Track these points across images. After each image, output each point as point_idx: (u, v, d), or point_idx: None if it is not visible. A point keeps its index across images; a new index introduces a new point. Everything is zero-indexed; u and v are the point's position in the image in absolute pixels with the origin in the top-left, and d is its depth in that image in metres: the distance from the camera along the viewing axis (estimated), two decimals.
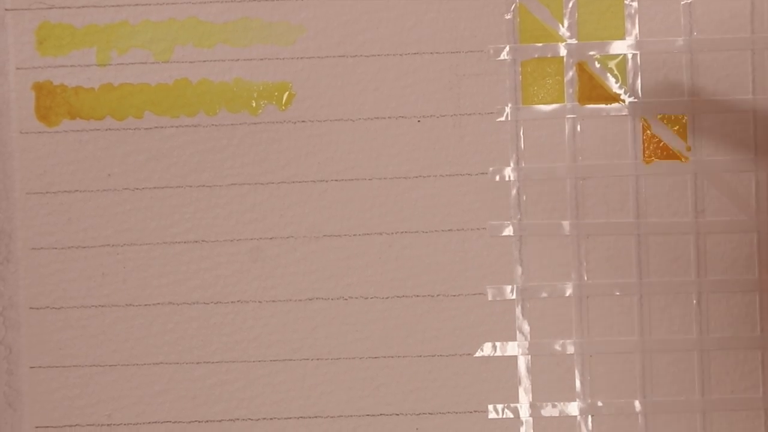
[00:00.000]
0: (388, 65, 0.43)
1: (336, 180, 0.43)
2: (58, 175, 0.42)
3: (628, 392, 0.43)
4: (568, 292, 0.43)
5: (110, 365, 0.42)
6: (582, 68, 0.43)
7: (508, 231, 0.43)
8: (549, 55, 0.43)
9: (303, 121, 0.43)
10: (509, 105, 0.43)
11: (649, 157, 0.43)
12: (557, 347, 0.42)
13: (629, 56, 0.43)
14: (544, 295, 0.43)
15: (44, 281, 0.42)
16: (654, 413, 0.42)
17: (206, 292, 0.42)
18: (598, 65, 0.43)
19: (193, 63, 0.42)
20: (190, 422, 0.42)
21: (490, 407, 0.42)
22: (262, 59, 0.43)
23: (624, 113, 0.43)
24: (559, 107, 0.43)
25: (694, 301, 0.43)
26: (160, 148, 0.42)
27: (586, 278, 0.43)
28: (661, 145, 0.43)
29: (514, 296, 0.43)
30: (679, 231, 0.43)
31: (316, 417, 0.42)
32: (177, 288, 0.42)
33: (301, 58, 0.43)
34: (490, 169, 0.43)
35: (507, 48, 0.43)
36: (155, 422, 0.42)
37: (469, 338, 0.42)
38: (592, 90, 0.43)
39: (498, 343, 0.42)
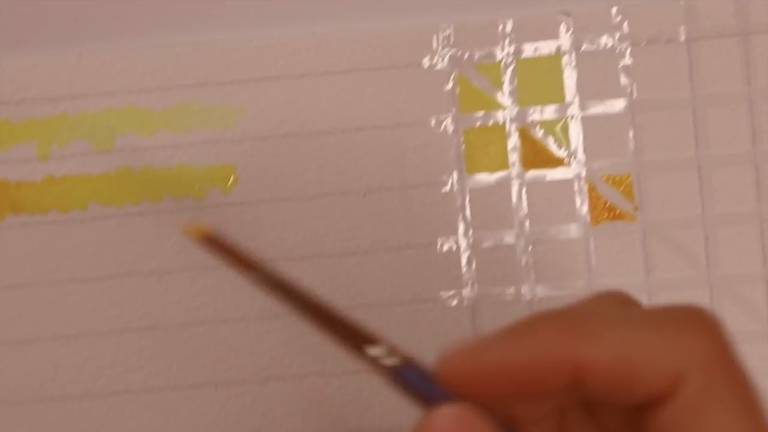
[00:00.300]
0: (331, 142, 0.43)
1: (285, 259, 0.42)
2: (5, 270, 0.42)
3: None
4: None
5: None
6: (524, 134, 0.43)
7: (461, 301, 0.43)
8: (491, 123, 0.43)
9: (248, 203, 0.42)
10: (454, 175, 0.43)
11: (597, 218, 0.43)
12: None
13: (570, 120, 0.43)
14: None
15: None
16: None
17: (161, 378, 0.42)
18: (540, 130, 0.43)
19: (134, 151, 0.42)
20: None
21: None
22: (204, 143, 0.43)
23: (569, 176, 0.43)
24: (504, 174, 0.43)
25: None
26: (106, 238, 0.42)
27: None
28: (607, 206, 0.43)
29: None
30: (631, 290, 0.43)
31: None
32: (132, 375, 0.42)
33: (243, 140, 0.43)
34: (439, 239, 0.43)
35: (449, 118, 0.43)
36: None
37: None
38: (536, 155, 0.43)
39: None
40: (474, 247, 0.43)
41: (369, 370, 0.27)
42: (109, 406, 0.42)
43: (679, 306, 0.28)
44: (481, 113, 0.43)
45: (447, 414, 0.26)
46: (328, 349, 0.42)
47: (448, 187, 0.43)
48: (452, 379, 0.27)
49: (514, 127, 0.43)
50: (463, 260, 0.43)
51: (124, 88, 0.42)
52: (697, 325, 0.27)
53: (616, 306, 0.29)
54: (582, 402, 0.29)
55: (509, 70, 0.43)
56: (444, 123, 0.43)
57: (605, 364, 0.26)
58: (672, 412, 0.26)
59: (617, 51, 0.43)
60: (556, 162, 0.43)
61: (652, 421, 0.27)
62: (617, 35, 0.43)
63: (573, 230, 0.43)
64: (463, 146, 0.43)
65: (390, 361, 0.27)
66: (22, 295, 0.42)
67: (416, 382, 0.27)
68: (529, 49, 0.43)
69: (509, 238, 0.43)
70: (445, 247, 0.43)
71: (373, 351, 0.27)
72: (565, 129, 0.43)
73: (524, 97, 0.43)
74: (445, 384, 0.27)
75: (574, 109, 0.43)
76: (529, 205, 0.43)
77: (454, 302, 0.43)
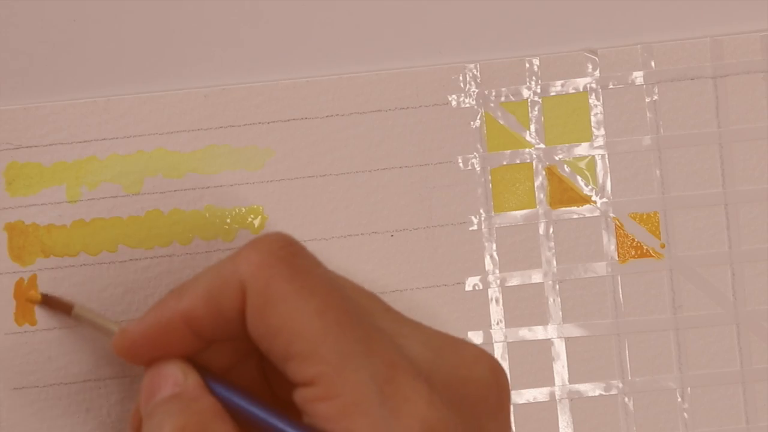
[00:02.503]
0: (358, 182, 0.43)
1: None
2: (36, 313, 0.42)
3: None
4: (551, 395, 0.43)
5: None
6: (551, 172, 0.43)
7: (489, 340, 0.43)
8: (518, 162, 0.43)
9: None
10: (481, 213, 0.43)
11: (624, 256, 0.43)
12: None
13: (597, 157, 0.43)
14: (524, 401, 0.43)
15: (27, 420, 0.42)
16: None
17: None
18: (567, 168, 0.43)
19: (163, 193, 0.42)
20: None
21: None
22: (232, 185, 0.43)
23: (596, 214, 0.43)
24: (530, 212, 0.43)
25: (679, 399, 0.43)
26: (136, 280, 0.42)
27: (568, 381, 0.43)
28: (635, 243, 0.43)
29: None
30: (659, 328, 0.43)
31: None
32: None
33: (271, 181, 0.43)
34: (467, 279, 0.43)
35: (476, 157, 0.43)
36: None
37: None
38: (563, 193, 0.43)
39: None
40: (501, 286, 0.43)
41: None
42: None
43: (251, 239, 0.34)
44: (508, 152, 0.43)
45: (152, 368, 0.35)
46: None
47: (475, 226, 0.43)
48: (120, 352, 0.35)
49: (541, 165, 0.43)
50: (491, 299, 0.43)
51: (152, 131, 0.43)
52: (254, 246, 0.33)
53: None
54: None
55: (536, 109, 0.43)
56: (471, 161, 0.43)
57: (200, 306, 0.33)
58: (249, 319, 0.32)
59: (643, 88, 0.43)
60: (583, 200, 0.43)
61: (249, 334, 0.33)
62: (643, 72, 0.43)
63: (600, 268, 0.43)
64: (490, 185, 0.43)
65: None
66: (52, 337, 0.42)
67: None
68: (555, 87, 0.43)
69: (537, 276, 0.43)
70: (473, 286, 0.43)
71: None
72: (592, 167, 0.43)
73: (551, 135, 0.43)
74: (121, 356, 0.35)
75: (600, 147, 0.43)
76: (556, 243, 0.43)
77: (482, 341, 0.43)
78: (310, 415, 0.31)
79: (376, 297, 0.35)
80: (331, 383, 0.31)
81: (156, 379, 0.34)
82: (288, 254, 0.33)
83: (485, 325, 0.43)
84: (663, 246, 0.43)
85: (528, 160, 0.43)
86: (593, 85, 0.43)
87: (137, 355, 0.35)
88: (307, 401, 0.31)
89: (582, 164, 0.43)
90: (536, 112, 0.43)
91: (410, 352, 0.32)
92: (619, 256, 0.43)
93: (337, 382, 0.30)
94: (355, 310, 0.32)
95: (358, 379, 0.30)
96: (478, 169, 0.43)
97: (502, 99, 0.43)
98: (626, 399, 0.43)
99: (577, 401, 0.43)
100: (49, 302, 0.41)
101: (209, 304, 0.33)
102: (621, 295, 0.43)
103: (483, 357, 0.33)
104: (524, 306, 0.43)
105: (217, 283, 0.33)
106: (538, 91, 0.43)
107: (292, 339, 0.31)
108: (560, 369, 0.43)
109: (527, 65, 0.43)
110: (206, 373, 0.35)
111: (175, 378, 0.34)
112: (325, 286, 0.32)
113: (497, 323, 0.43)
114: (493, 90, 0.43)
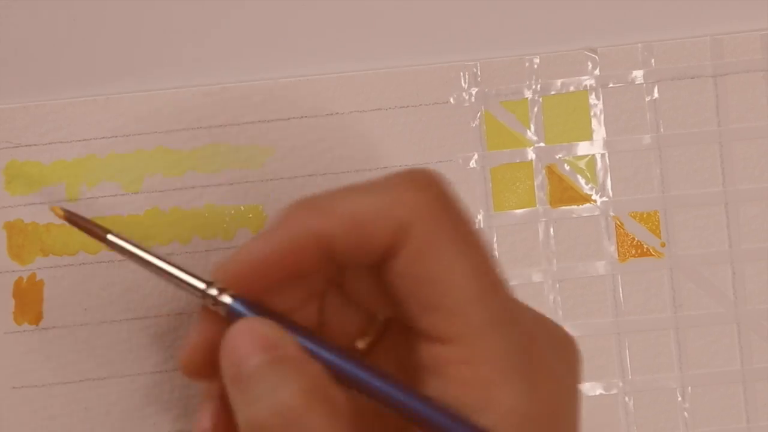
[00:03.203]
0: (358, 181, 0.43)
1: None
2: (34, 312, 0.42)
3: None
4: None
5: None
6: (551, 171, 0.43)
7: None
8: (518, 161, 0.43)
9: None
10: (481, 212, 0.43)
11: (624, 255, 0.43)
12: None
13: (598, 156, 0.43)
14: None
15: (26, 419, 0.42)
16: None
17: (191, 420, 0.42)
18: (567, 167, 0.43)
19: (163, 192, 0.42)
20: None
21: None
22: (232, 184, 0.43)
23: (596, 213, 0.43)
24: (531, 211, 0.43)
25: (679, 398, 0.43)
26: (135, 279, 0.42)
27: None
28: (635, 242, 0.43)
29: None
30: (659, 327, 0.43)
31: None
32: (161, 417, 0.42)
33: (271, 179, 0.43)
34: None
35: (475, 156, 0.43)
36: None
37: None
38: (563, 192, 0.43)
39: None
40: None
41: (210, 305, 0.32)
42: None
43: (405, 171, 0.32)
44: (508, 150, 0.43)
45: (237, 326, 0.30)
46: None
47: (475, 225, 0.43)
48: (227, 281, 0.31)
49: (541, 164, 0.43)
50: None
51: (152, 129, 0.42)
52: (416, 183, 0.30)
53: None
54: (334, 282, 0.33)
55: (536, 107, 0.43)
56: (471, 160, 0.43)
57: (341, 230, 0.30)
58: (404, 260, 0.30)
59: (644, 87, 0.43)
60: (583, 199, 0.43)
61: (390, 273, 0.30)
62: (643, 71, 0.43)
63: (600, 267, 0.43)
64: (490, 183, 0.43)
65: (225, 298, 0.31)
66: (51, 337, 0.42)
67: (245, 308, 0.31)
68: (555, 86, 0.43)
69: (536, 275, 0.43)
70: None
71: (212, 291, 0.32)
72: (592, 165, 0.43)
73: (551, 134, 0.43)
74: (224, 285, 0.31)
75: (600, 146, 0.43)
76: (556, 242, 0.43)
77: None
78: (441, 375, 0.29)
79: None
80: (475, 346, 0.29)
81: (247, 337, 0.30)
82: (450, 201, 0.31)
83: None
84: (663, 245, 0.43)
85: (528, 159, 0.43)
86: (593, 84, 0.43)
87: (259, 279, 0.31)
88: (441, 359, 0.29)
89: (582, 163, 0.43)
90: (536, 111, 0.43)
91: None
92: (619, 255, 0.43)
93: (481, 346, 0.29)
94: (502, 279, 0.31)
95: (503, 348, 0.29)
96: (478, 167, 0.43)
97: (503, 98, 0.43)
98: (626, 398, 0.43)
99: None
100: (77, 222, 0.36)
101: (354, 230, 0.30)
102: (621, 294, 0.43)
103: (570, 340, 0.33)
104: None
105: (368, 211, 0.30)
106: (538, 89, 0.43)
107: (446, 291, 0.29)
108: None
109: (527, 64, 0.43)
110: (295, 329, 0.31)
111: (272, 338, 0.30)
112: (483, 243, 0.31)
113: None
114: (493, 89, 0.43)
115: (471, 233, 0.30)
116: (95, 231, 0.35)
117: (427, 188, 0.30)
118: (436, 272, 0.29)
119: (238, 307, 0.31)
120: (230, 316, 0.31)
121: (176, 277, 0.33)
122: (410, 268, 0.30)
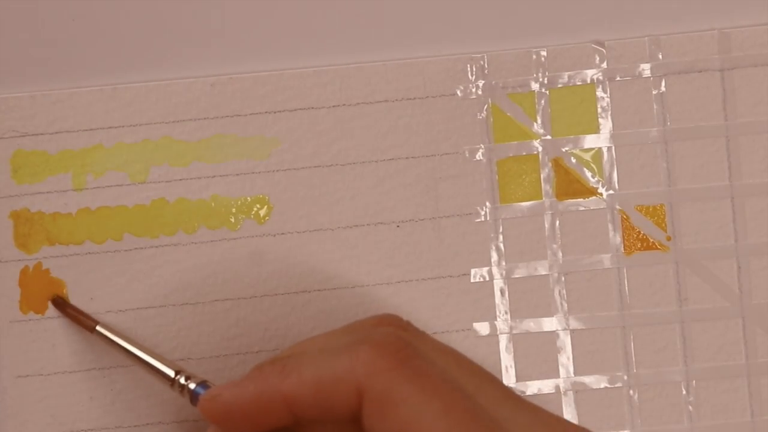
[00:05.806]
0: (364, 172, 0.43)
1: (318, 290, 0.43)
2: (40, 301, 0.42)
3: None
4: (557, 387, 0.43)
5: None
6: (558, 164, 0.43)
7: (494, 332, 0.43)
8: (524, 153, 0.43)
9: (282, 234, 0.43)
10: (487, 204, 0.43)
11: (630, 248, 0.43)
12: None
13: (604, 149, 0.43)
14: (529, 393, 0.43)
15: (31, 408, 0.42)
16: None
17: (195, 410, 0.42)
18: (573, 160, 0.43)
19: (169, 182, 0.42)
20: None
21: None
22: (238, 174, 0.43)
23: (602, 206, 0.43)
24: (537, 204, 0.43)
25: (684, 392, 0.43)
26: (141, 269, 0.42)
27: (573, 374, 0.43)
28: (641, 236, 0.43)
29: None
30: (664, 321, 0.43)
31: None
32: (166, 408, 0.42)
33: (277, 170, 0.43)
34: (472, 270, 0.43)
35: (482, 148, 0.43)
36: None
37: None
38: (569, 185, 0.43)
39: None
40: (507, 278, 0.43)
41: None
42: None
43: (370, 323, 0.34)
44: (514, 143, 0.43)
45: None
46: None
47: (481, 218, 0.43)
48: (208, 416, 0.35)
49: (547, 156, 0.43)
50: (496, 290, 0.43)
51: (159, 120, 0.42)
52: (369, 340, 0.32)
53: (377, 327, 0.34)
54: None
55: (543, 100, 0.43)
56: (477, 153, 0.43)
57: (306, 394, 0.32)
58: (367, 419, 0.32)
59: (651, 80, 0.43)
60: (590, 192, 0.43)
61: (364, 427, 0.32)
62: (651, 65, 0.43)
63: (606, 260, 0.43)
64: (497, 176, 0.43)
65: (191, 385, 0.37)
66: (57, 326, 0.42)
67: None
68: (562, 79, 0.43)
69: (542, 268, 0.43)
70: (478, 278, 0.43)
71: (181, 379, 0.37)
72: (599, 158, 0.43)
73: (558, 127, 0.43)
74: (208, 420, 0.35)
75: (607, 139, 0.43)
76: (562, 235, 0.43)
77: (487, 332, 0.43)
78: None
79: (496, 380, 0.34)
80: None
81: None
82: (406, 356, 0.32)
83: (491, 317, 0.43)
84: (669, 238, 0.43)
85: (534, 152, 0.43)
86: (600, 77, 0.43)
87: (229, 423, 0.34)
88: None
89: (588, 156, 0.43)
90: (543, 104, 0.43)
91: None
92: (625, 249, 0.43)
93: None
94: (476, 409, 0.31)
95: None
96: (485, 160, 0.43)
97: (509, 90, 0.43)
98: (631, 391, 0.43)
99: (582, 393, 0.43)
100: (65, 310, 0.41)
101: (318, 395, 0.32)
102: (627, 288, 0.43)
103: None
104: (530, 298, 0.43)
105: (329, 376, 0.32)
106: (545, 82, 0.43)
107: None
108: (565, 361, 0.43)
109: (534, 57, 0.43)
110: None
111: None
112: (446, 386, 0.32)
113: (503, 315, 0.43)
114: (500, 81, 0.43)
115: (430, 377, 0.32)
116: (85, 322, 0.41)
117: (380, 347, 0.32)
118: (400, 425, 0.31)
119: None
120: (193, 400, 0.37)
121: (154, 368, 0.38)
122: (375, 426, 0.32)
